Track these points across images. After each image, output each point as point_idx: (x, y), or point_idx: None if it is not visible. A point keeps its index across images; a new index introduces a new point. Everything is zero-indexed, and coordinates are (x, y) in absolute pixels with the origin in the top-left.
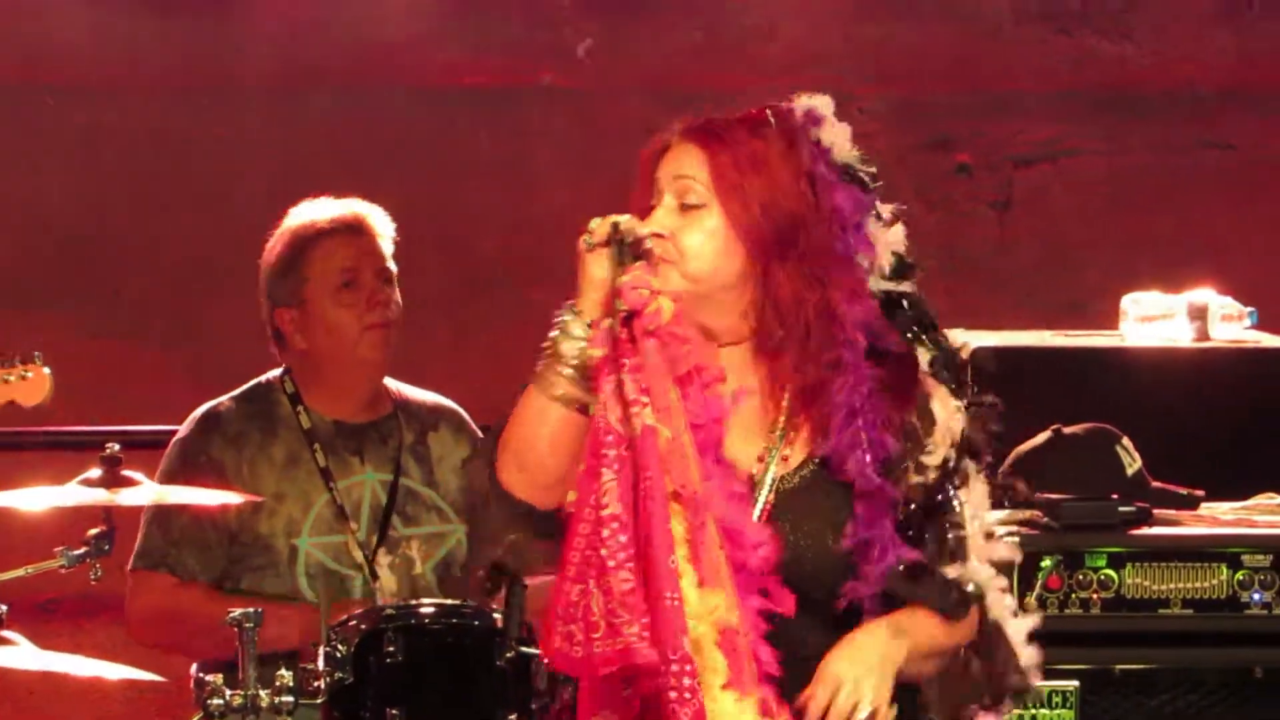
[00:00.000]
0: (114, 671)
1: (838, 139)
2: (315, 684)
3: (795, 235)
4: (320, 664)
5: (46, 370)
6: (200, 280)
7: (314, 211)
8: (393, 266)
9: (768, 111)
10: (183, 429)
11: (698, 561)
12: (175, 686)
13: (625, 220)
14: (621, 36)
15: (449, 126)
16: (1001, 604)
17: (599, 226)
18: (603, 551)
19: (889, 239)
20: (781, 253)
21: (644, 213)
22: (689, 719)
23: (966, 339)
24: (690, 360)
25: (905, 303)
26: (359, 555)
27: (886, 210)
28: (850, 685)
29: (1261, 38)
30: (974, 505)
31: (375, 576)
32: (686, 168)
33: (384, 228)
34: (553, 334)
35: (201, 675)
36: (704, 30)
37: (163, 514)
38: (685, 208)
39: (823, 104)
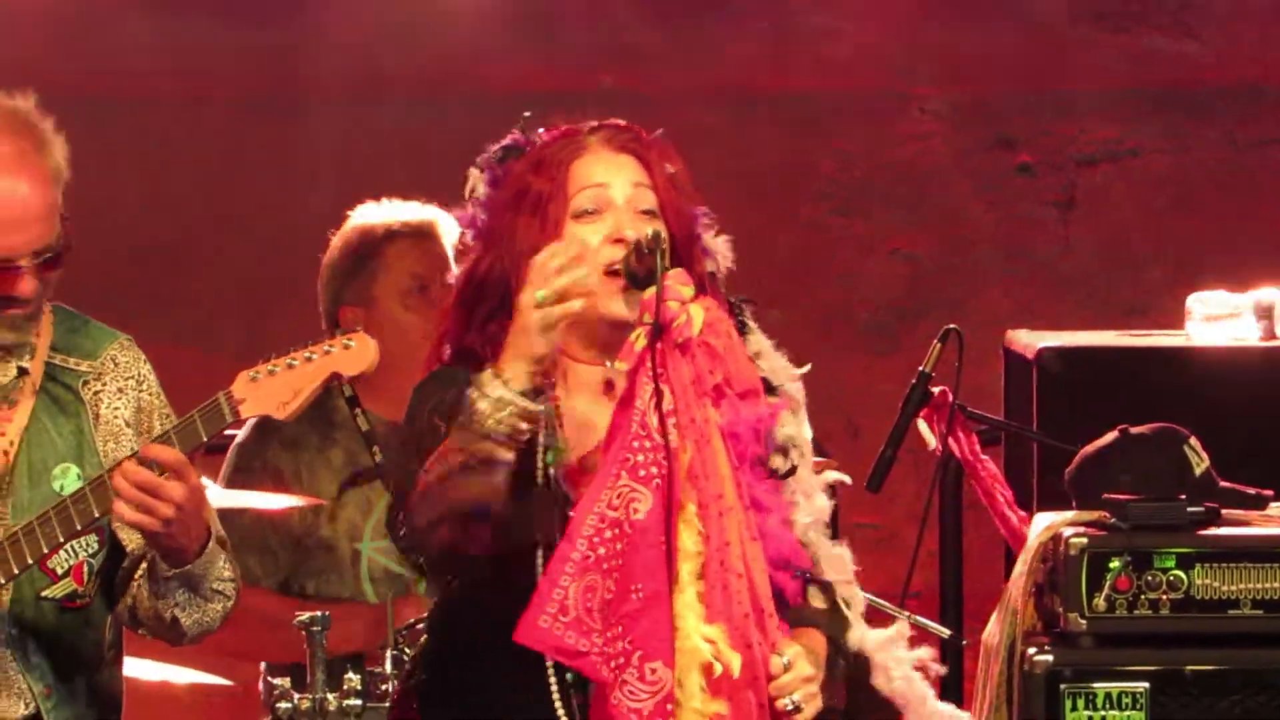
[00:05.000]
0: (182, 675)
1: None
2: (383, 687)
3: (698, 255)
4: (388, 667)
5: (370, 340)
6: (272, 288)
7: (385, 212)
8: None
9: (652, 134)
10: (241, 433)
11: (707, 582)
12: (243, 690)
13: (649, 233)
14: (685, 40)
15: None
16: None
17: (633, 242)
18: (600, 550)
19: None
20: (691, 269)
21: (551, 215)
22: None
23: (1031, 339)
24: (723, 370)
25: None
26: None
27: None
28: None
29: None
30: None
31: None
32: (636, 175)
33: (452, 234)
34: (470, 392)
35: (270, 679)
36: (769, 33)
37: (223, 517)
38: (645, 214)
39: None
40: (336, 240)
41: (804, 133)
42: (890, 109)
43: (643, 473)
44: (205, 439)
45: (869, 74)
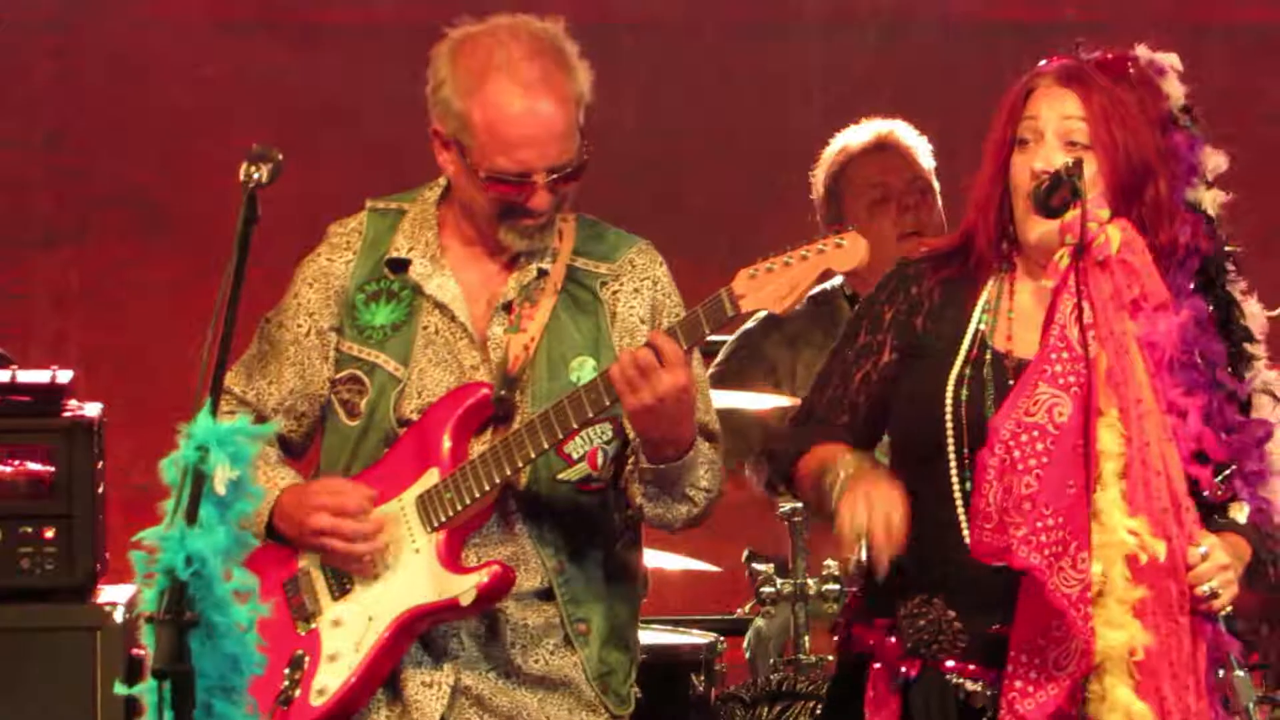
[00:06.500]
0: (675, 562)
1: (1175, 90)
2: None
3: (1145, 183)
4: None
5: (860, 238)
6: (759, 201)
7: (845, 137)
8: (929, 177)
9: (1128, 62)
10: (750, 321)
11: (1129, 480)
12: (730, 575)
13: (1066, 163)
14: None
15: (982, 59)
16: None
17: (1050, 172)
18: (1015, 453)
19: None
20: (1131, 197)
21: (1000, 145)
22: (1078, 631)
23: None
24: (1139, 285)
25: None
26: None
27: (1210, 156)
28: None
29: None
30: None
31: None
32: (1070, 109)
33: (912, 141)
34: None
35: (754, 566)
36: None
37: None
38: (1071, 145)
39: (1168, 59)
40: (814, 173)
41: (1253, 61)
42: None
43: (1062, 381)
44: (708, 332)
45: None
